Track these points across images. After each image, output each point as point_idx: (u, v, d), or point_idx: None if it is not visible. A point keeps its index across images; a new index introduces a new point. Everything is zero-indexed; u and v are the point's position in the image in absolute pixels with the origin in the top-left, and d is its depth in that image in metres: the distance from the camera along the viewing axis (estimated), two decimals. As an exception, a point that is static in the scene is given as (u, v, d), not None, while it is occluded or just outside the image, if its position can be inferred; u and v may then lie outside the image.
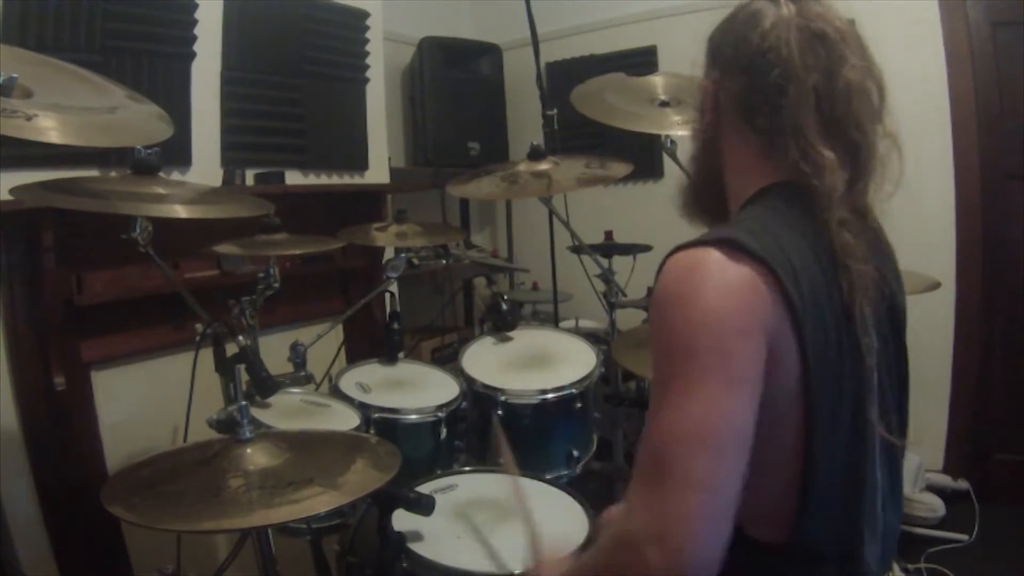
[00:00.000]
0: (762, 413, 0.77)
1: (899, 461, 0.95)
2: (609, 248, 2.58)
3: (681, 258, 0.82)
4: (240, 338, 1.33)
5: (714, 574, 0.72)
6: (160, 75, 2.14)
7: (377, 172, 2.91)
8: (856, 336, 0.83)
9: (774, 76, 0.85)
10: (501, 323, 2.18)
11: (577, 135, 3.22)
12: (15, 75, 1.06)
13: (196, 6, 2.22)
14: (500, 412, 1.81)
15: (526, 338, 2.17)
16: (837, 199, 0.84)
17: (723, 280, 0.78)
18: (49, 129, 1.05)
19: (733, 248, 0.79)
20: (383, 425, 1.73)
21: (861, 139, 0.87)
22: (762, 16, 0.88)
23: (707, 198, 1.04)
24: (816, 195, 0.85)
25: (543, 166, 1.94)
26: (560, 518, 1.41)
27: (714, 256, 0.79)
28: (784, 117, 0.86)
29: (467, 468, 1.69)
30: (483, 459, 1.84)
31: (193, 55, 2.23)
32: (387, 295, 2.15)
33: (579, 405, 1.88)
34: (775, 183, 0.90)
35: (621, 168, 1.90)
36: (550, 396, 1.84)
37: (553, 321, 2.94)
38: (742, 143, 0.93)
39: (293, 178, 2.57)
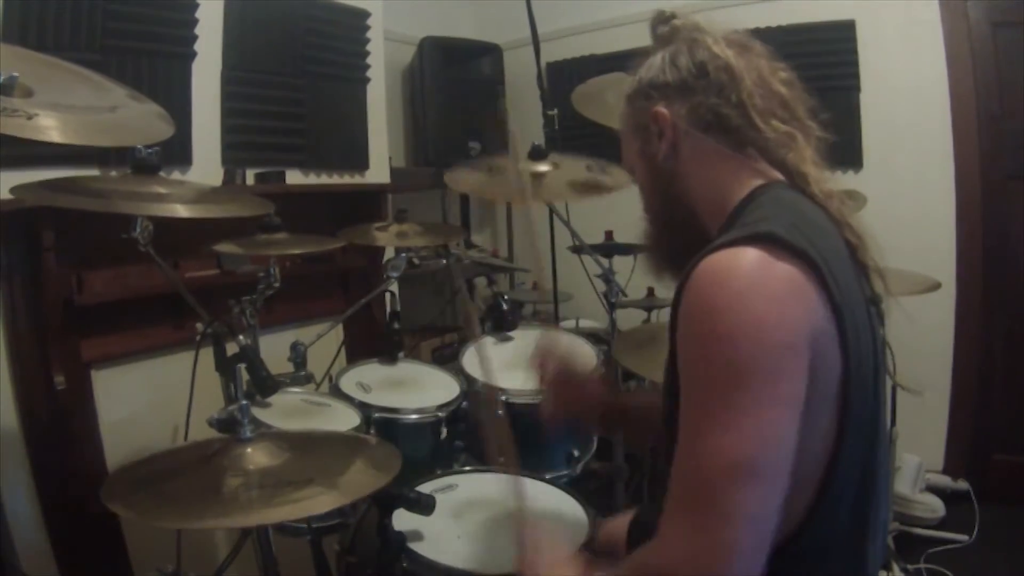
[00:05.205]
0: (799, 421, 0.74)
1: (889, 455, 0.95)
2: (609, 248, 2.57)
3: (716, 261, 0.76)
4: (240, 337, 1.33)
5: None
6: (160, 74, 2.14)
7: (377, 172, 2.91)
8: (875, 331, 0.82)
9: (722, 80, 0.89)
10: (501, 323, 2.18)
11: (578, 135, 3.21)
12: (16, 74, 1.06)
13: (196, 6, 2.22)
14: (500, 412, 1.81)
15: (526, 338, 2.17)
16: (822, 183, 0.88)
17: (767, 286, 0.73)
18: (50, 128, 1.05)
19: (772, 244, 0.75)
20: (383, 425, 1.73)
21: (803, 126, 0.92)
22: (687, 44, 0.95)
23: (680, 237, 0.98)
24: (804, 182, 0.88)
25: (543, 167, 1.94)
26: (560, 518, 1.41)
27: (752, 257, 0.74)
28: (741, 114, 0.89)
29: (467, 468, 1.69)
30: (483, 459, 1.83)
31: (193, 54, 2.23)
32: (387, 295, 2.14)
33: (579, 405, 1.88)
34: (758, 186, 0.89)
35: (621, 176, 1.89)
36: (550, 396, 1.84)
37: (553, 321, 2.93)
38: (712, 155, 0.92)
39: (293, 177, 2.57)
